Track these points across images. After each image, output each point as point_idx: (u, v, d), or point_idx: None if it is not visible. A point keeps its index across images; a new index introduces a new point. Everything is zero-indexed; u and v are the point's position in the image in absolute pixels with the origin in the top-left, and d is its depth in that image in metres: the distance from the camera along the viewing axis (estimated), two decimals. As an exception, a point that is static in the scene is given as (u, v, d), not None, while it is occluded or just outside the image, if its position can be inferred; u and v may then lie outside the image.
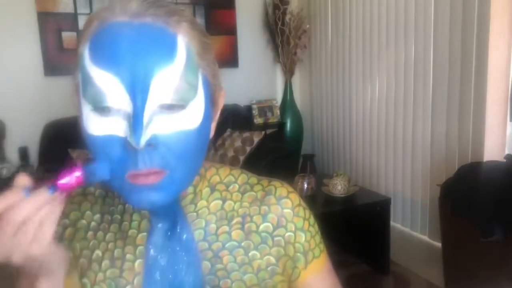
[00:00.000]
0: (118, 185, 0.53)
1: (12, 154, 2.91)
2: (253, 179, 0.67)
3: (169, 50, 0.51)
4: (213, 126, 0.60)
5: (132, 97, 0.49)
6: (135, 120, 0.48)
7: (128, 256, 0.61)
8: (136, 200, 0.53)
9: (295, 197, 0.66)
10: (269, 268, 0.63)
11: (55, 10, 2.93)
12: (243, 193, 0.65)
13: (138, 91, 0.49)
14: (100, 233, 0.64)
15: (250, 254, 0.62)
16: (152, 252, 0.61)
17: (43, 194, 0.48)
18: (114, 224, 0.64)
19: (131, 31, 0.50)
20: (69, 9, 2.96)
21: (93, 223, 0.65)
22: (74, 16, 2.97)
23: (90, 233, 0.64)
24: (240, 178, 0.67)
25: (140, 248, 0.62)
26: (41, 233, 0.48)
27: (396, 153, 2.61)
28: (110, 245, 0.63)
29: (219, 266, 0.61)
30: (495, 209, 1.65)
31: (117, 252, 0.62)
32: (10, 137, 2.90)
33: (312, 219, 0.68)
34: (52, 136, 2.84)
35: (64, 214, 0.64)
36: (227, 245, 0.62)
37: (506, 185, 1.67)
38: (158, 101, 0.50)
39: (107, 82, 0.49)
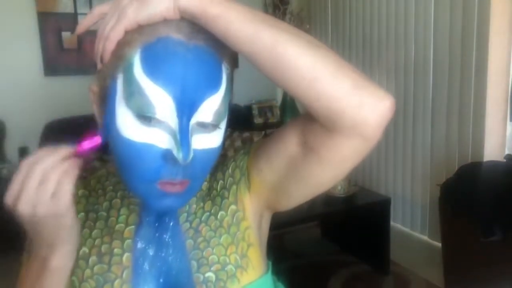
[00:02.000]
0: (144, 189, 0.56)
1: (12, 154, 2.91)
2: (220, 160, 0.71)
3: (218, 78, 0.55)
4: None
5: (179, 115, 0.53)
6: (183, 138, 0.52)
7: (116, 250, 0.63)
8: (158, 204, 0.57)
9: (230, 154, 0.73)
10: (234, 219, 0.66)
11: (55, 10, 2.93)
12: (211, 173, 0.70)
13: (186, 111, 0.53)
14: (85, 231, 0.65)
15: (219, 216, 0.66)
16: (139, 244, 0.63)
17: (63, 149, 0.52)
18: (100, 221, 0.66)
19: (187, 52, 0.53)
20: (69, 9, 2.96)
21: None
22: (74, 16, 2.97)
23: None
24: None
25: (127, 241, 0.64)
26: (60, 190, 0.50)
27: (396, 153, 2.61)
28: (97, 241, 0.64)
29: (200, 239, 0.65)
30: (495, 209, 1.65)
31: (104, 248, 0.64)
32: (10, 137, 2.91)
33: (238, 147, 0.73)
34: (52, 136, 2.84)
35: None
36: (203, 217, 0.66)
37: (506, 185, 1.67)
38: (198, 119, 0.54)
39: (158, 96, 0.52)
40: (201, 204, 0.68)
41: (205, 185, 0.69)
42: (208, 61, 0.54)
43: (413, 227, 2.52)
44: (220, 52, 0.56)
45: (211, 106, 0.54)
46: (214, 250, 0.64)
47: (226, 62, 0.57)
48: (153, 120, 0.53)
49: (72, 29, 2.96)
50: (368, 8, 2.76)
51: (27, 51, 2.92)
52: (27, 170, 0.50)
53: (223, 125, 0.58)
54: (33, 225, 0.52)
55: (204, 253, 0.64)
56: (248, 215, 0.67)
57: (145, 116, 0.52)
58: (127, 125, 0.53)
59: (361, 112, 0.52)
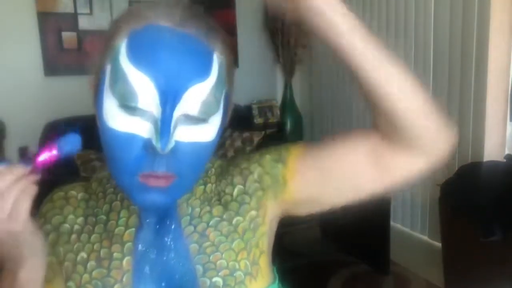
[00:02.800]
0: (127, 182, 0.55)
1: (12, 154, 2.90)
2: (228, 163, 0.71)
3: (206, 66, 0.53)
4: None
5: (162, 103, 0.51)
6: (164, 126, 0.50)
7: (116, 254, 0.62)
8: (141, 199, 0.55)
9: (248, 156, 0.70)
10: (252, 225, 0.64)
11: (55, 10, 2.93)
12: (218, 175, 0.68)
13: (169, 99, 0.51)
14: (84, 235, 0.64)
15: (233, 221, 0.64)
16: (140, 247, 0.62)
17: (18, 168, 0.50)
18: (99, 225, 0.64)
19: (174, 39, 0.51)
20: (69, 9, 2.95)
21: (76, 226, 0.65)
22: (74, 16, 2.97)
23: (73, 236, 0.64)
24: (216, 163, 0.70)
25: (128, 244, 0.62)
26: (16, 209, 0.49)
27: (396, 153, 2.60)
28: (96, 246, 0.63)
29: (206, 243, 0.63)
30: (495, 209, 1.65)
31: (103, 252, 0.62)
32: (10, 137, 2.90)
33: (263, 149, 0.70)
34: (52, 136, 2.83)
35: (46, 219, 0.65)
36: (211, 222, 0.64)
37: (506, 185, 1.67)
38: (184, 111, 0.52)
39: (141, 83, 0.50)
40: (208, 208, 0.65)
41: (209, 188, 0.67)
42: (195, 49, 0.52)
43: (413, 227, 2.52)
44: (212, 41, 0.54)
45: (197, 96, 0.52)
46: (223, 255, 0.62)
47: (220, 52, 0.55)
48: (137, 109, 0.51)
49: (72, 29, 2.97)
50: (368, 8, 2.76)
51: (27, 51, 2.92)
52: None
53: (215, 120, 0.56)
54: None
55: (211, 257, 0.62)
56: (266, 221, 0.66)
57: (128, 106, 0.51)
58: (112, 114, 0.53)
59: (440, 137, 0.59)
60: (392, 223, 2.52)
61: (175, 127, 0.52)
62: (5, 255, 0.53)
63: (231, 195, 0.66)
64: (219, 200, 0.66)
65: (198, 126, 0.54)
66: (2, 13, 2.83)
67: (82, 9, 2.97)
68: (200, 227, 0.64)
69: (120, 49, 0.52)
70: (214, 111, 0.55)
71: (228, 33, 3.54)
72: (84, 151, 2.53)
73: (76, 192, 0.68)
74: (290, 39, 3.36)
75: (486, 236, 1.65)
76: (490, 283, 1.69)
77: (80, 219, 0.65)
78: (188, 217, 0.64)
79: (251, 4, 3.51)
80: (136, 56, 0.51)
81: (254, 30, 3.56)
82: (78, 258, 0.62)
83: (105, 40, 0.55)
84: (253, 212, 0.65)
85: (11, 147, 2.90)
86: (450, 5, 2.12)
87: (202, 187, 0.67)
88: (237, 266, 0.62)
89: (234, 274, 0.62)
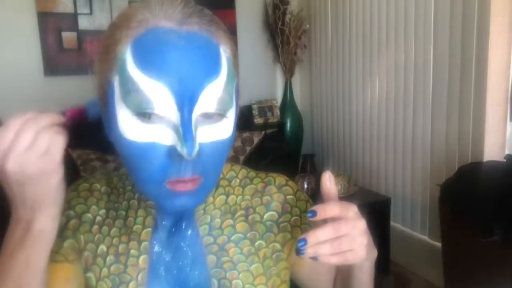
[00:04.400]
0: (154, 191, 0.53)
1: (12, 154, 2.90)
2: (252, 173, 0.70)
3: (216, 63, 0.51)
4: None
5: (179, 107, 0.49)
6: (186, 131, 0.49)
7: (133, 251, 0.62)
8: (171, 205, 0.53)
9: (293, 184, 0.69)
10: (274, 256, 0.64)
11: (55, 10, 2.93)
12: (244, 187, 0.67)
13: (186, 102, 0.49)
14: (105, 228, 0.64)
15: (256, 244, 0.63)
16: (156, 247, 0.62)
17: (54, 115, 0.53)
18: (119, 220, 0.64)
19: (180, 40, 0.49)
20: (69, 9, 2.95)
21: (98, 218, 0.65)
22: (74, 16, 2.96)
23: (95, 227, 0.64)
24: (240, 173, 0.69)
25: (144, 243, 0.62)
26: (51, 148, 0.49)
27: (396, 153, 2.61)
28: (115, 240, 0.63)
29: (225, 258, 0.62)
30: (495, 209, 1.65)
31: (121, 248, 0.62)
32: (10, 137, 2.90)
33: (310, 200, 0.70)
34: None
35: (70, 206, 0.65)
36: (232, 237, 0.63)
37: (506, 185, 1.67)
38: (202, 111, 0.51)
39: (155, 90, 0.49)
40: (231, 222, 0.64)
41: (232, 199, 0.65)
42: (204, 46, 0.51)
43: (413, 227, 2.52)
44: (216, 35, 0.53)
45: (213, 94, 0.51)
46: (240, 275, 0.61)
47: (225, 45, 0.54)
48: (153, 116, 0.50)
49: (72, 29, 2.97)
50: (368, 8, 2.76)
51: (27, 51, 2.92)
52: (18, 128, 0.48)
53: (231, 114, 0.54)
54: (18, 186, 0.49)
55: (227, 274, 0.61)
56: (290, 259, 0.66)
57: (144, 113, 0.50)
58: (128, 126, 0.51)
59: None
60: (392, 223, 2.52)
61: (196, 130, 0.50)
62: (23, 202, 0.51)
63: (261, 216, 0.65)
64: (245, 216, 0.65)
65: (216, 124, 0.53)
66: (2, 13, 2.83)
67: (82, 9, 2.97)
68: (220, 240, 0.63)
69: (126, 58, 0.50)
70: (229, 106, 0.54)
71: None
72: (84, 151, 2.53)
73: (99, 185, 0.68)
74: (290, 39, 3.36)
75: (486, 236, 1.65)
76: (490, 283, 1.68)
77: (102, 211, 0.65)
78: (207, 226, 0.63)
79: (251, 4, 3.51)
80: (144, 63, 0.49)
81: (254, 30, 3.56)
82: (99, 250, 0.62)
83: (104, 49, 0.53)
84: (277, 245, 0.65)
85: (11, 147, 2.89)
86: (450, 5, 2.12)
87: (224, 197, 0.65)
88: None
89: None
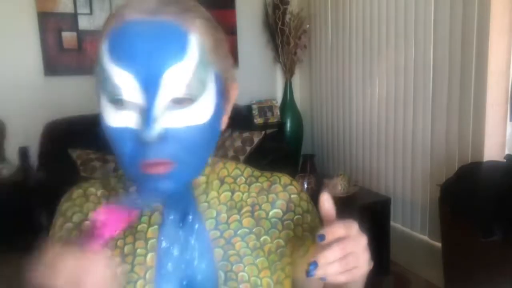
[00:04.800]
0: (133, 174, 0.56)
1: (12, 154, 2.90)
2: (257, 172, 0.72)
3: (181, 48, 0.53)
4: (225, 119, 0.63)
5: (144, 92, 0.52)
6: (147, 114, 0.51)
7: (139, 250, 0.62)
8: (148, 188, 0.55)
9: (297, 184, 0.72)
10: (278, 251, 0.66)
11: (55, 10, 2.93)
12: (249, 185, 0.69)
13: (150, 86, 0.52)
14: None
15: (261, 239, 0.65)
16: (164, 244, 0.62)
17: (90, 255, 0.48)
18: None
19: (147, 29, 0.52)
20: (69, 9, 2.96)
21: None
22: (74, 16, 2.97)
23: None
24: (246, 171, 0.71)
25: (151, 241, 0.62)
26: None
27: (396, 153, 2.61)
28: (119, 242, 0.63)
29: (231, 252, 0.63)
30: (495, 209, 1.65)
31: (127, 249, 0.63)
32: (10, 137, 2.90)
33: (311, 202, 0.72)
34: (52, 136, 2.83)
35: (66, 218, 0.65)
36: (238, 232, 0.65)
37: (506, 185, 1.67)
38: (170, 96, 0.53)
39: (123, 78, 0.52)
40: (237, 217, 0.66)
41: (238, 196, 0.67)
42: (168, 33, 0.53)
43: (413, 227, 2.52)
44: (189, 23, 0.54)
45: (178, 77, 0.52)
46: (246, 268, 0.63)
47: (199, 33, 0.55)
48: (124, 102, 0.53)
49: (72, 29, 2.97)
50: (368, 8, 2.76)
51: (27, 51, 2.92)
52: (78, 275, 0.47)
53: (204, 101, 0.55)
54: None
55: (233, 267, 0.63)
56: (293, 256, 0.67)
57: (116, 100, 0.53)
58: (106, 112, 0.55)
59: None
60: (392, 223, 2.52)
61: (162, 114, 0.52)
62: None
63: (267, 213, 0.67)
64: (251, 212, 0.67)
65: (188, 108, 0.54)
66: (2, 13, 2.83)
67: (82, 9, 2.97)
68: (227, 234, 0.64)
69: (103, 52, 0.54)
70: (201, 91, 0.55)
71: (228, 33, 3.55)
72: (84, 151, 2.53)
73: (95, 189, 0.68)
74: (290, 39, 3.36)
75: (486, 236, 1.65)
76: (490, 283, 1.69)
77: None
78: (214, 221, 0.64)
79: (251, 4, 3.51)
80: (115, 54, 0.53)
81: (254, 30, 3.56)
82: None
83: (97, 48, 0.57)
84: (281, 242, 0.67)
85: (11, 147, 2.90)
86: (450, 5, 2.12)
87: (229, 193, 0.67)
88: (259, 283, 0.63)
89: None
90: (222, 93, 0.59)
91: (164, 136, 0.52)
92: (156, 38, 0.52)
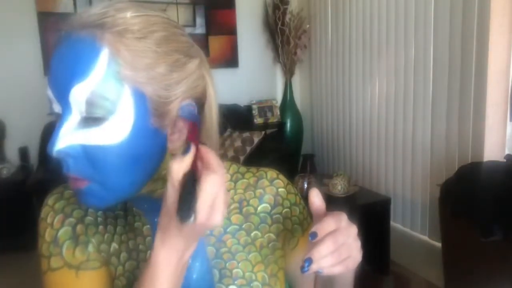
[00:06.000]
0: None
1: (12, 154, 2.91)
2: (243, 168, 0.72)
3: (86, 66, 0.51)
4: (175, 137, 0.56)
5: (61, 108, 0.52)
6: (55, 129, 0.52)
7: (141, 247, 0.63)
8: (78, 199, 0.56)
9: (283, 177, 0.72)
10: (270, 245, 0.67)
11: (55, 10, 2.93)
12: (235, 181, 0.69)
13: (62, 103, 0.52)
14: (110, 227, 0.65)
15: (252, 234, 0.66)
16: None
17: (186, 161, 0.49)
18: (119, 219, 0.65)
19: (66, 45, 0.53)
20: (69, 9, 2.96)
21: (99, 219, 0.65)
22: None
23: (100, 227, 0.64)
24: (231, 168, 0.71)
25: (148, 239, 0.63)
26: (216, 204, 0.49)
27: (396, 153, 2.61)
28: (123, 237, 0.64)
29: (223, 249, 0.64)
30: (495, 209, 1.65)
31: (131, 244, 0.64)
32: (10, 137, 2.91)
33: (298, 194, 0.73)
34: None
35: (66, 214, 0.64)
36: (228, 229, 0.66)
37: (506, 185, 1.67)
38: (77, 114, 0.52)
39: (49, 93, 0.54)
40: (225, 215, 0.65)
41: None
42: (79, 49, 0.51)
43: (413, 227, 2.52)
44: (104, 37, 0.51)
45: (79, 96, 0.50)
46: (239, 264, 0.64)
47: (114, 48, 0.51)
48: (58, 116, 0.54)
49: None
50: (368, 8, 2.76)
51: (27, 51, 2.92)
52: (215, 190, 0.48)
53: (117, 118, 0.51)
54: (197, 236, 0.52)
55: (227, 264, 0.64)
56: (284, 250, 0.69)
57: (53, 113, 0.55)
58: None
59: None
60: (392, 223, 2.52)
61: (72, 131, 0.51)
62: (185, 235, 0.51)
63: (255, 208, 0.68)
64: (240, 209, 0.67)
65: (99, 128, 0.51)
66: (2, 13, 2.83)
67: (82, 9, 2.97)
68: (216, 231, 0.65)
69: None
70: (108, 110, 0.51)
71: (228, 33, 3.54)
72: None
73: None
74: (290, 39, 3.36)
75: (486, 236, 1.65)
76: (490, 283, 1.69)
77: (99, 212, 0.65)
78: None
79: (251, 4, 3.51)
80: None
81: (254, 30, 3.56)
82: (112, 249, 0.63)
83: None
84: (272, 235, 0.67)
85: (11, 147, 2.90)
86: (450, 5, 2.12)
87: None
88: (254, 277, 0.64)
89: (251, 285, 0.63)
90: (150, 110, 0.53)
91: (67, 154, 0.52)
92: (68, 55, 0.52)
